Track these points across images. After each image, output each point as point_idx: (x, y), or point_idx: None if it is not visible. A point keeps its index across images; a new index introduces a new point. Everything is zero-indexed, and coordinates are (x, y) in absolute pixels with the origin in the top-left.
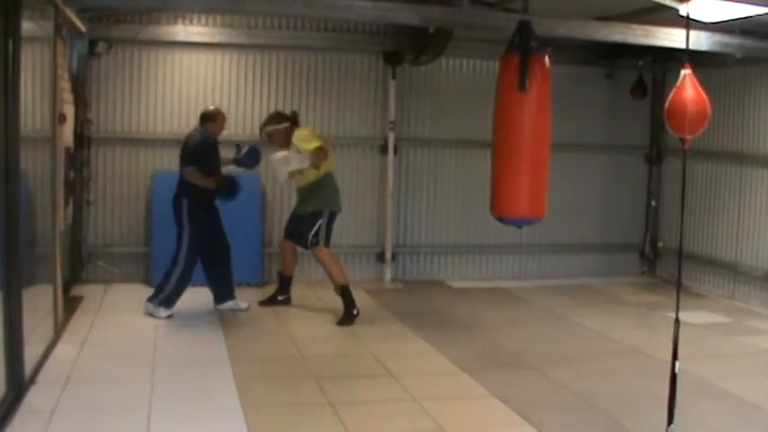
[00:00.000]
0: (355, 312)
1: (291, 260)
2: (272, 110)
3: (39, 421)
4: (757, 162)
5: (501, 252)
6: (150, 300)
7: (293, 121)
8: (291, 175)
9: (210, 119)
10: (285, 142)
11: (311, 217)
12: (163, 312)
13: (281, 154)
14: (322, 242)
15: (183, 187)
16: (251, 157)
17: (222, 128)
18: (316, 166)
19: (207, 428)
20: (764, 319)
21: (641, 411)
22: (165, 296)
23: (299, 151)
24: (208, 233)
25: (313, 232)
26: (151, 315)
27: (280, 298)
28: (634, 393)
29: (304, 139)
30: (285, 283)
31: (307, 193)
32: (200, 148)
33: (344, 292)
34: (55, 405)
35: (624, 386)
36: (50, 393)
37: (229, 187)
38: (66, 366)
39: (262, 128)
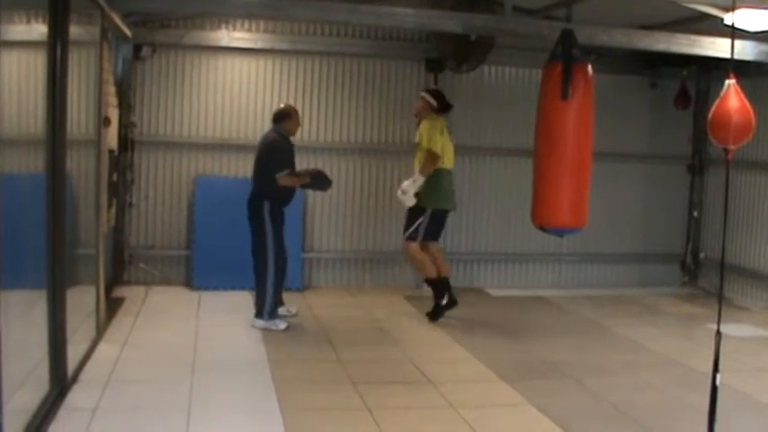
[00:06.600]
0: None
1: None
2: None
3: (81, 419)
4: None
5: (541, 261)
6: (258, 316)
7: (442, 106)
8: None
9: (287, 116)
10: (417, 114)
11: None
12: (281, 324)
13: (405, 186)
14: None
15: (264, 189)
16: (320, 182)
17: (298, 125)
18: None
19: (245, 431)
20: None
21: (679, 424)
22: (269, 306)
23: (419, 138)
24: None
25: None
26: (268, 329)
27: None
28: (672, 405)
29: (426, 133)
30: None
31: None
32: (286, 150)
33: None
34: (96, 404)
35: (663, 398)
36: (92, 392)
37: (321, 178)
38: (107, 366)
39: (425, 89)
